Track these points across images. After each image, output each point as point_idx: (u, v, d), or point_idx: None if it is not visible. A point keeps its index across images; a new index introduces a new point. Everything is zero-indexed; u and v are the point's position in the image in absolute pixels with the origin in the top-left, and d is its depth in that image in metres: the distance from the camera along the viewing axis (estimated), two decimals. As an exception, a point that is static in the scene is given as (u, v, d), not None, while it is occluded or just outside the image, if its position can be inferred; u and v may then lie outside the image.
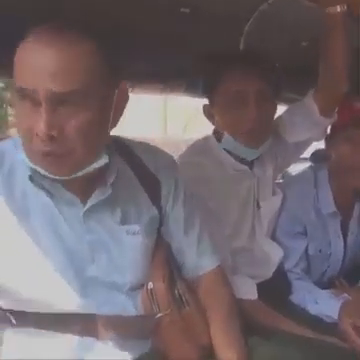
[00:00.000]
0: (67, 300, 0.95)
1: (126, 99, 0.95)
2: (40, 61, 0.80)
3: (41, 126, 0.80)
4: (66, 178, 0.89)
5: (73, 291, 0.95)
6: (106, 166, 0.96)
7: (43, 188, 0.93)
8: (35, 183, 0.92)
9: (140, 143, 1.13)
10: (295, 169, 1.89)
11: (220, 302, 1.10)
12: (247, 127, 1.35)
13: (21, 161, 0.92)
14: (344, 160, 1.48)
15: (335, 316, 1.35)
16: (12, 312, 0.94)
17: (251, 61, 1.36)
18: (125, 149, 1.08)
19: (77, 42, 0.83)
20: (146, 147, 1.13)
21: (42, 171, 0.88)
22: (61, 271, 0.94)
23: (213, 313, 1.08)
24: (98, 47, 0.85)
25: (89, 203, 0.96)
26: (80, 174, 0.90)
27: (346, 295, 1.43)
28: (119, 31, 1.43)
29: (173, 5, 1.53)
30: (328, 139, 1.55)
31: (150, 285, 1.02)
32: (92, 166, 0.91)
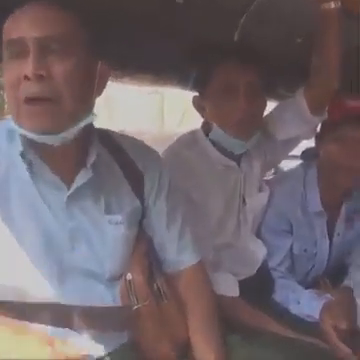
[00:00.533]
0: (43, 289, 0.94)
1: (106, 78, 1.00)
2: (25, 15, 0.87)
3: (30, 66, 0.84)
4: (53, 140, 0.89)
5: (51, 279, 0.94)
6: (86, 149, 0.97)
7: (31, 166, 0.93)
8: (25, 160, 0.92)
9: (125, 136, 1.14)
10: (288, 166, 1.88)
11: (199, 298, 1.10)
12: (237, 118, 1.34)
13: (5, 146, 0.94)
14: (333, 159, 1.46)
15: (316, 316, 1.34)
16: None
17: (243, 54, 1.35)
18: (109, 139, 1.08)
19: (63, 10, 0.90)
20: (131, 140, 1.13)
21: (26, 131, 0.88)
22: (39, 258, 0.93)
23: (191, 309, 1.08)
24: (76, 16, 0.92)
25: (73, 186, 0.96)
26: (67, 134, 0.89)
27: (329, 296, 1.42)
28: (109, 20, 1.40)
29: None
30: (318, 137, 1.54)
31: (129, 276, 1.01)
32: (80, 123, 0.91)
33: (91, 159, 0.98)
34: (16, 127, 0.90)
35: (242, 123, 1.35)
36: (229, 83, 1.34)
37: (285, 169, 1.96)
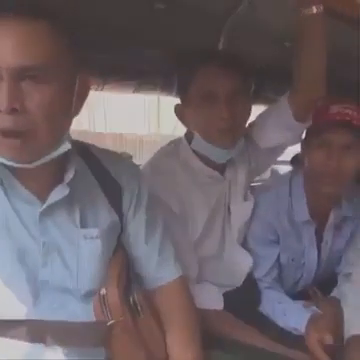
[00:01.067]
0: (17, 306, 0.91)
1: (87, 90, 0.95)
2: (3, 37, 0.81)
3: (3, 99, 0.80)
4: (27, 166, 0.86)
5: (25, 295, 0.91)
6: (64, 165, 0.95)
7: (2, 184, 0.91)
8: None
9: (103, 150, 1.11)
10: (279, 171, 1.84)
11: (179, 312, 1.07)
12: (217, 127, 1.30)
13: None
14: (317, 166, 1.41)
15: (302, 329, 1.30)
16: None
17: (225, 60, 1.32)
18: (86, 153, 1.06)
19: (33, 20, 0.83)
20: (109, 154, 1.11)
21: (2, 158, 0.85)
22: (13, 274, 0.91)
23: (170, 323, 1.05)
24: (53, 26, 0.85)
25: (47, 202, 0.93)
26: (42, 161, 0.87)
27: (315, 308, 1.38)
28: (90, 26, 1.38)
29: (148, 1, 1.47)
30: (303, 143, 1.50)
31: (103, 291, 0.98)
32: (55, 153, 0.88)
33: (69, 176, 0.94)
34: None
35: (224, 132, 1.31)
36: (209, 90, 1.30)
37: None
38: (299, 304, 1.41)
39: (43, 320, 0.92)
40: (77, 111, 0.94)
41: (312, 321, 1.31)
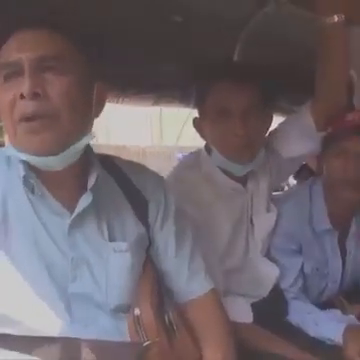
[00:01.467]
0: (50, 322, 0.90)
1: (105, 97, 0.98)
2: (22, 39, 0.87)
3: (26, 85, 0.83)
4: (53, 164, 0.88)
5: (57, 310, 0.90)
6: (88, 174, 0.95)
7: (32, 191, 0.91)
8: (27, 185, 0.90)
9: (126, 161, 1.11)
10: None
11: (213, 328, 1.05)
12: (233, 143, 1.29)
13: (3, 172, 0.92)
14: (335, 174, 1.41)
15: (338, 339, 1.28)
16: None
17: (240, 75, 1.30)
18: (109, 164, 1.05)
19: (59, 32, 0.90)
20: (132, 165, 1.10)
21: (25, 153, 0.86)
22: (43, 289, 0.89)
23: (206, 341, 1.03)
24: (71, 38, 0.91)
25: (76, 211, 0.92)
26: (66, 154, 0.88)
27: (352, 317, 1.36)
28: (110, 40, 1.38)
29: (165, 14, 1.48)
30: (320, 152, 1.49)
31: (137, 311, 0.96)
32: (79, 143, 0.89)
33: (92, 182, 0.94)
34: (14, 152, 0.89)
35: (240, 148, 1.30)
36: (223, 106, 1.29)
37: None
38: (329, 313, 1.39)
39: (77, 338, 0.90)
40: (97, 113, 0.97)
41: (349, 331, 1.29)
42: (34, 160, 0.87)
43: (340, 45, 1.26)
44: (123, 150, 8.53)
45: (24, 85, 0.83)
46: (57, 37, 0.89)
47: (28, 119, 0.84)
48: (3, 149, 0.96)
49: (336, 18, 1.23)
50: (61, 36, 0.89)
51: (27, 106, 0.84)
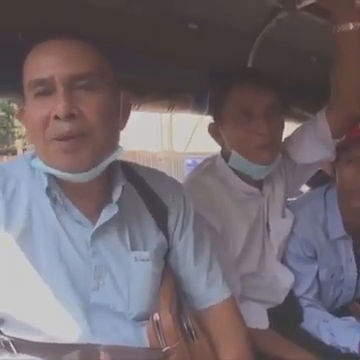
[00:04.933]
0: (70, 330, 0.90)
1: (129, 107, 0.98)
2: (53, 54, 0.86)
3: (60, 106, 0.82)
4: (83, 177, 0.87)
5: (78, 319, 0.90)
6: (111, 184, 0.95)
7: (55, 202, 0.91)
8: (50, 196, 0.91)
9: (147, 168, 1.11)
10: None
11: (232, 335, 1.05)
12: (256, 143, 1.30)
13: (28, 181, 0.92)
14: (347, 181, 1.41)
15: (354, 348, 1.28)
16: (13, 340, 0.89)
17: (259, 77, 1.33)
18: (130, 172, 1.05)
19: (82, 41, 0.90)
20: (153, 173, 1.11)
21: (56, 169, 0.86)
22: (65, 297, 0.90)
23: (224, 347, 1.03)
24: (100, 50, 0.91)
25: (98, 222, 0.93)
26: (97, 170, 0.88)
27: None
28: (126, 48, 1.40)
29: (181, 21, 1.49)
30: (333, 160, 1.48)
31: (156, 316, 0.96)
32: (109, 158, 0.90)
33: (117, 194, 0.94)
34: (42, 165, 0.89)
35: (262, 148, 1.30)
36: (246, 107, 1.30)
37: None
38: (345, 321, 1.39)
39: (98, 344, 0.90)
40: (123, 124, 0.96)
41: None
42: (65, 176, 0.87)
43: (356, 52, 1.26)
44: (133, 156, 8.56)
45: (58, 106, 0.82)
46: (88, 52, 0.88)
47: (63, 138, 0.84)
48: (27, 157, 0.96)
49: (351, 26, 1.24)
50: (91, 50, 0.89)
51: (62, 127, 0.83)
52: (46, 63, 0.85)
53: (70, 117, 0.83)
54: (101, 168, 0.89)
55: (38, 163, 0.90)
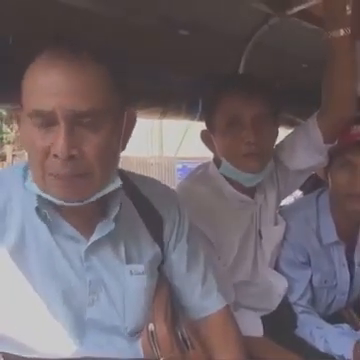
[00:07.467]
0: (64, 346, 0.89)
1: (134, 124, 0.95)
2: (55, 82, 0.79)
3: (61, 146, 0.78)
4: (78, 205, 0.84)
5: (71, 334, 0.89)
6: (106, 199, 0.92)
7: (46, 220, 0.88)
8: (40, 215, 0.88)
9: (142, 177, 1.09)
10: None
11: (227, 344, 1.04)
12: (245, 151, 1.29)
13: (21, 193, 0.89)
14: (341, 187, 1.41)
15: (348, 356, 1.27)
16: (6, 355, 0.87)
17: (249, 84, 1.32)
18: (125, 181, 1.03)
19: (90, 63, 0.82)
20: (147, 181, 1.09)
21: (52, 197, 0.84)
22: (59, 313, 0.88)
23: (221, 358, 1.02)
24: (109, 69, 0.84)
25: (92, 238, 0.91)
26: (93, 199, 0.86)
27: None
28: (117, 54, 1.39)
29: (172, 28, 1.49)
30: (326, 165, 1.48)
31: (151, 327, 0.95)
32: (106, 189, 0.88)
33: (114, 211, 0.92)
34: (37, 190, 0.86)
35: (250, 156, 1.30)
36: (234, 115, 1.30)
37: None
38: (338, 328, 1.38)
39: (92, 357, 0.89)
40: (124, 146, 0.93)
41: (358, 348, 1.28)
42: (60, 203, 0.84)
43: (347, 58, 1.26)
44: (125, 160, 8.53)
45: (58, 145, 0.78)
46: (92, 73, 0.81)
47: (61, 177, 0.81)
48: (20, 167, 0.93)
49: (342, 32, 1.24)
50: (95, 64, 0.82)
51: (62, 166, 0.80)
52: (48, 91, 0.79)
53: (70, 158, 0.79)
54: (97, 198, 0.87)
55: (33, 186, 0.87)
